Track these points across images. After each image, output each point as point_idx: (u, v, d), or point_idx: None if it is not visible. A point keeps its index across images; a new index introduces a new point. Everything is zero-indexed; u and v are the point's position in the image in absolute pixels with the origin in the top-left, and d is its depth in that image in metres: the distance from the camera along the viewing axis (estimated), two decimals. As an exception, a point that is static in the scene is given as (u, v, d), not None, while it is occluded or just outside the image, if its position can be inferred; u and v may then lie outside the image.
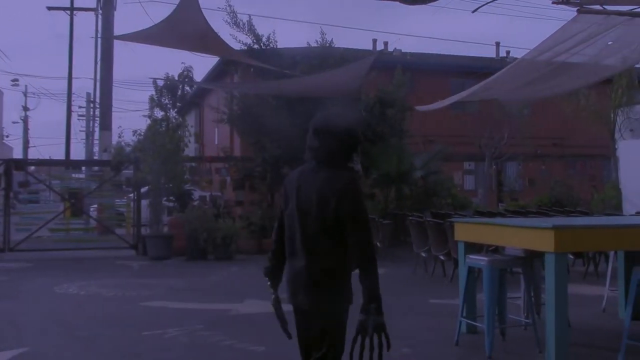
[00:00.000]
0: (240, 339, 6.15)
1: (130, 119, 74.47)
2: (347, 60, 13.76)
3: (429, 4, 7.18)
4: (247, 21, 15.18)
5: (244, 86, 15.78)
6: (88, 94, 38.15)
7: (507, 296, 6.21)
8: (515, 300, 6.67)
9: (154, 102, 15.74)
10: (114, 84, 19.73)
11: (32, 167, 18.44)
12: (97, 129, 30.93)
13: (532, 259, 5.94)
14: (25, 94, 48.35)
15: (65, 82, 27.82)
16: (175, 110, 17.12)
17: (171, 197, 14.54)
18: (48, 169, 17.71)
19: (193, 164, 16.18)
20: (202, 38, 9.59)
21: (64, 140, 28.15)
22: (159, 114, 15.52)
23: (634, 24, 8.57)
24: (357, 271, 2.96)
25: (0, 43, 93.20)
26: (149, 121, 15.04)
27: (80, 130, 40.45)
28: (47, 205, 16.69)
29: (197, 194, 15.95)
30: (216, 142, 24.56)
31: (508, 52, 28.87)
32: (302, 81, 12.69)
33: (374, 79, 15.05)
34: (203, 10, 8.77)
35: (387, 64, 17.27)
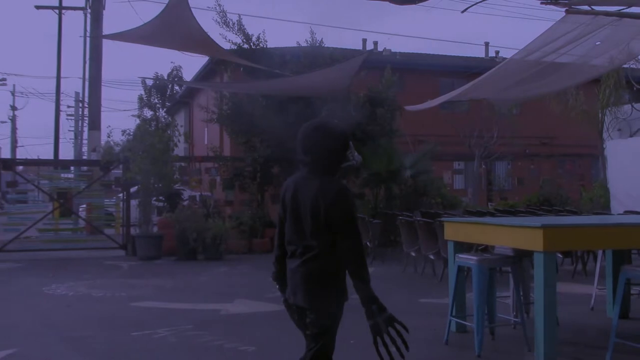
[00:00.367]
0: (230, 339, 6.14)
1: (120, 119, 74.16)
2: (337, 60, 13.77)
3: (419, 3, 7.19)
4: (236, 21, 15.18)
5: (234, 86, 15.75)
6: (77, 94, 38.03)
7: (497, 295, 6.24)
8: (505, 299, 6.70)
9: (143, 102, 15.67)
10: (103, 84, 19.66)
11: (21, 167, 18.38)
12: (86, 129, 30.75)
13: (521, 258, 5.97)
14: (13, 93, 48.13)
15: (54, 81, 27.59)
16: (165, 109, 17.04)
17: (161, 197, 14.50)
18: (36, 169, 17.61)
19: (183, 164, 16.14)
20: (192, 37, 9.57)
21: (52, 140, 28.04)
22: (148, 113, 15.45)
23: (622, 25, 8.63)
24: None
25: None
26: (138, 121, 15.00)
27: (69, 130, 40.40)
28: (35, 205, 16.61)
29: (186, 193, 15.92)
30: (206, 142, 24.54)
31: (497, 52, 29.05)
32: (291, 81, 12.68)
33: (364, 79, 15.07)
34: (192, 10, 8.75)
35: (376, 63, 17.28)
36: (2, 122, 53.37)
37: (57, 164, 19.27)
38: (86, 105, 27.66)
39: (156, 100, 16.00)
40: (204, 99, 21.44)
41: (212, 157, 16.61)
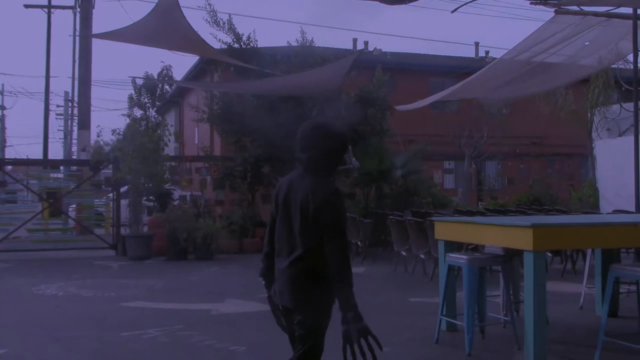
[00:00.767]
0: (221, 338, 6.13)
1: (110, 118, 73.91)
2: (328, 60, 13.78)
3: (409, 3, 7.22)
4: (227, 20, 15.16)
5: (224, 85, 15.73)
6: (66, 93, 37.76)
7: (487, 294, 6.27)
8: (495, 298, 6.73)
9: (134, 101, 15.64)
10: (92, 83, 19.58)
11: (10, 167, 18.28)
12: (75, 128, 30.62)
13: (511, 257, 6.00)
14: (1, 92, 47.79)
15: (43, 80, 27.42)
16: (155, 109, 17.04)
17: (151, 197, 14.45)
18: (26, 169, 17.53)
19: (173, 164, 16.10)
20: (182, 37, 9.55)
21: (41, 140, 27.88)
22: (138, 113, 15.44)
23: (611, 25, 8.69)
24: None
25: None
26: (128, 120, 14.95)
27: (58, 130, 40.16)
28: (25, 205, 16.59)
29: (177, 193, 15.88)
30: (196, 142, 24.46)
31: (487, 52, 29.15)
32: (282, 80, 12.67)
33: (355, 79, 15.08)
34: (183, 9, 8.74)
35: (367, 63, 17.32)
36: (-9, 121, 52.98)
37: (47, 163, 19.18)
38: (76, 105, 27.57)
39: (146, 100, 16.02)
40: (194, 99, 21.39)
41: (203, 157, 16.58)
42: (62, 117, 39.85)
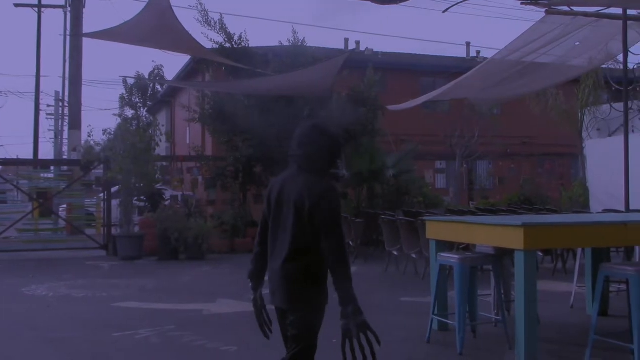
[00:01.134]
0: (213, 339, 6.13)
1: (100, 118, 73.63)
2: (319, 60, 13.78)
3: (400, 3, 7.23)
4: (218, 20, 15.14)
5: (216, 85, 15.70)
6: (57, 93, 37.61)
7: (478, 293, 6.28)
8: (486, 297, 6.75)
9: (125, 101, 15.59)
10: (83, 83, 19.48)
11: (0, 167, 18.15)
12: (66, 128, 30.48)
13: (502, 257, 6.02)
14: (-8, 92, 47.50)
15: (34, 80, 27.28)
16: (146, 109, 16.99)
17: (142, 197, 14.41)
18: (16, 169, 17.44)
19: (164, 163, 16.06)
20: (173, 36, 9.53)
21: (32, 140, 27.74)
22: (129, 112, 15.38)
23: (601, 25, 8.73)
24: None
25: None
26: (119, 120, 14.89)
27: (48, 130, 39.94)
28: (15, 205, 16.46)
29: (168, 193, 15.84)
30: (188, 141, 24.40)
31: (478, 52, 29.19)
32: (273, 80, 12.67)
33: (346, 78, 15.09)
34: (174, 9, 8.72)
35: (358, 63, 17.33)
36: (-19, 121, 52.75)
37: (37, 163, 19.08)
38: (66, 105, 27.43)
39: (137, 100, 15.95)
40: (185, 98, 21.34)
41: (194, 157, 16.54)
42: (52, 116, 39.65)
